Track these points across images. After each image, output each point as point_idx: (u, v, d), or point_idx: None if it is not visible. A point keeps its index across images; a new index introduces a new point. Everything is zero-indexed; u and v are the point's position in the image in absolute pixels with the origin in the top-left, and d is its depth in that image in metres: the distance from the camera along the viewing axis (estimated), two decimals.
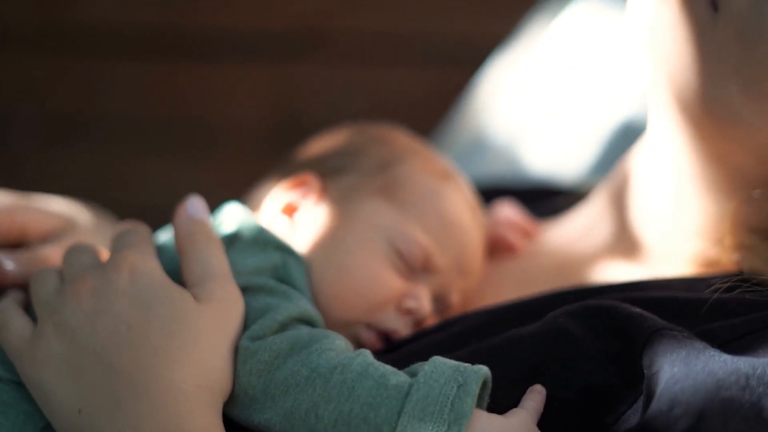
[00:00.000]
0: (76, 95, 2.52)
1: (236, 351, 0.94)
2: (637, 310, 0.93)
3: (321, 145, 1.16)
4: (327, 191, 1.09)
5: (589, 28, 1.67)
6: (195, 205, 1.01)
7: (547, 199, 1.32)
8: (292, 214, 1.09)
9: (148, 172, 2.49)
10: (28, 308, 0.99)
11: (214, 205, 1.09)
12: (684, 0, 1.00)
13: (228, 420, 0.94)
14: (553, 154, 1.59)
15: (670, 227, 1.08)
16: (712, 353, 0.88)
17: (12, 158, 2.50)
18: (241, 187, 1.19)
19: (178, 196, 1.05)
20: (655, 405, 0.86)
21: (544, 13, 1.77)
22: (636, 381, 0.89)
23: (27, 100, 2.54)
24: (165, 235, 1.05)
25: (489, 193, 1.30)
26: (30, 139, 2.54)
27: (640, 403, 0.88)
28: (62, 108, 2.54)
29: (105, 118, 2.53)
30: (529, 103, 1.66)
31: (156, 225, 1.09)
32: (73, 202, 1.15)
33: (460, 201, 1.11)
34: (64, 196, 1.18)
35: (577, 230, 1.18)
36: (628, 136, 1.47)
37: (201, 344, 0.93)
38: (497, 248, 1.19)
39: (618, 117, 1.55)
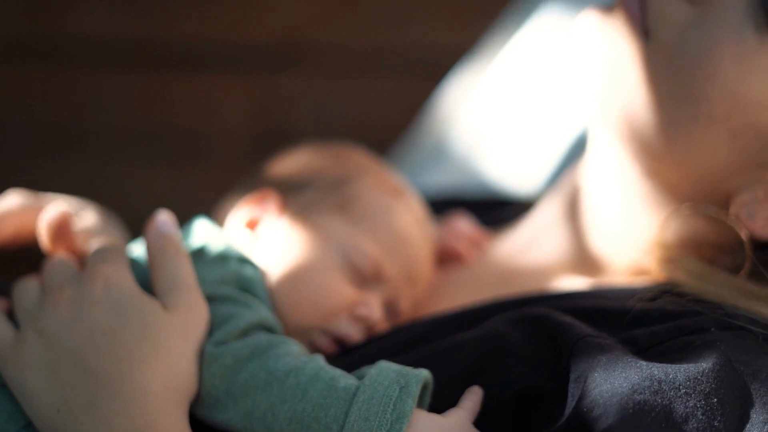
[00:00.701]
0: (65, 105, 2.53)
1: (201, 355, 0.99)
2: (567, 318, 0.98)
3: (283, 163, 1.20)
4: (287, 207, 1.14)
5: (551, 41, 1.68)
6: (164, 220, 1.06)
7: (500, 210, 1.35)
8: (254, 228, 1.14)
9: (136, 180, 2.50)
10: (11, 315, 1.04)
11: (199, 213, 1.13)
12: (624, 26, 1.06)
13: (193, 419, 0.99)
14: (511, 165, 1.60)
15: (615, 238, 1.13)
16: (629, 359, 0.93)
17: (2, 168, 2.49)
18: (226, 196, 1.23)
19: (165, 205, 1.09)
20: (578, 407, 0.92)
21: (509, 24, 1.78)
22: (564, 384, 0.94)
23: (17, 110, 2.54)
24: (138, 248, 1.10)
25: (443, 204, 1.34)
26: (20, 149, 2.54)
27: (566, 405, 0.93)
28: (52, 118, 2.54)
29: (94, 128, 2.53)
30: (490, 114, 1.67)
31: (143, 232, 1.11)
32: (79, 201, 1.18)
33: (409, 216, 1.16)
34: None
35: (523, 240, 1.21)
36: (585, 148, 1.49)
37: (169, 349, 0.98)
38: (447, 258, 1.24)
39: (577, 129, 1.56)
